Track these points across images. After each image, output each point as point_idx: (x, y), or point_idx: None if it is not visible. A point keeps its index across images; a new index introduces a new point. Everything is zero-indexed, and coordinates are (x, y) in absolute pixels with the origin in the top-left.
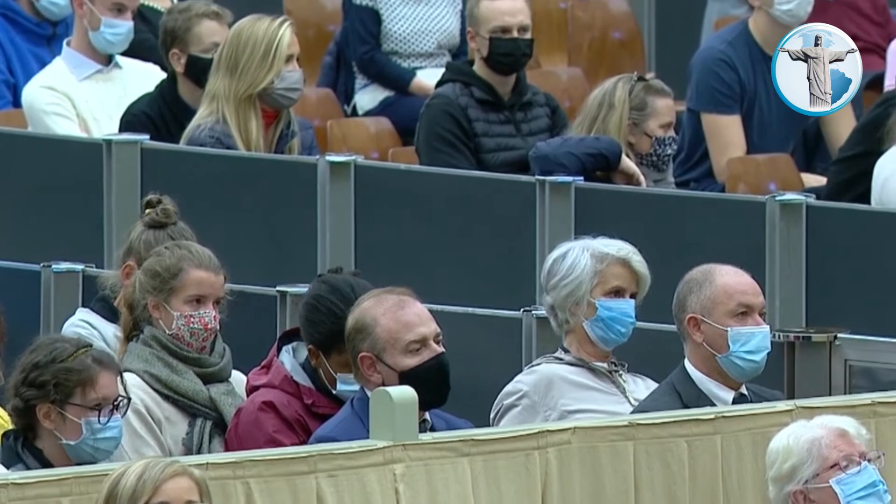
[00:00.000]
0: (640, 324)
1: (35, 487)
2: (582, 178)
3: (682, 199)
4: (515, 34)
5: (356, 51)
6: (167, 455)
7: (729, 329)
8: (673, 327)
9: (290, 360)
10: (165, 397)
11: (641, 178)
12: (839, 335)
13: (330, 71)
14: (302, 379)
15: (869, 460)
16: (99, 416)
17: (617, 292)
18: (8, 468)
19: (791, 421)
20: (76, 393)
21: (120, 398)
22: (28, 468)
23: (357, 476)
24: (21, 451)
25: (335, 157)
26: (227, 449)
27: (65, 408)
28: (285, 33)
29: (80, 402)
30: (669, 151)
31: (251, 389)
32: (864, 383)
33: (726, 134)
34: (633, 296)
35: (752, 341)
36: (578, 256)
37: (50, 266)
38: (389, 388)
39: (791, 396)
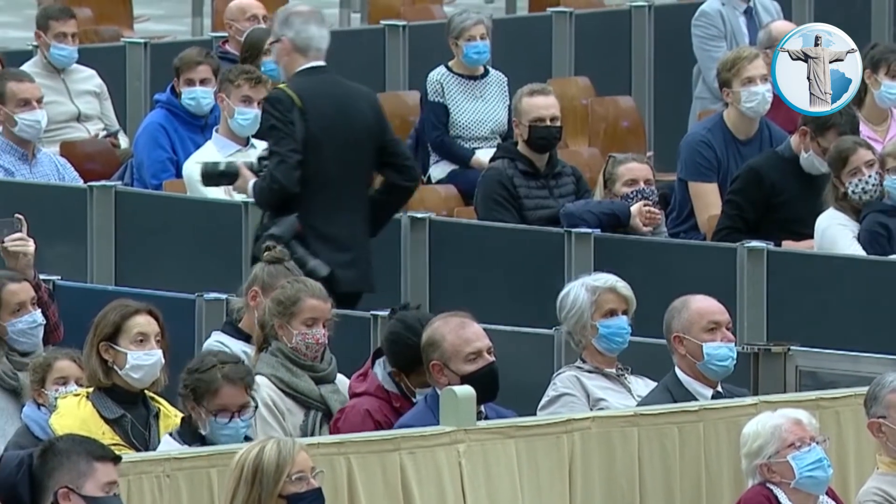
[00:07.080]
0: (645, 339)
1: (189, 461)
2: (599, 230)
3: (674, 246)
4: (549, 123)
5: (430, 135)
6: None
7: (704, 344)
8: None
9: (381, 371)
10: (287, 394)
11: (644, 230)
12: (792, 348)
13: (411, 150)
14: (391, 387)
15: (817, 443)
16: (217, 418)
17: (611, 313)
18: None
19: (756, 412)
20: (205, 398)
21: (245, 405)
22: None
23: (430, 453)
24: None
25: (415, 214)
26: (332, 434)
27: (199, 407)
28: None
29: (206, 405)
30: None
31: (353, 395)
32: (810, 384)
33: (706, 197)
34: (625, 312)
35: (721, 352)
36: (577, 292)
37: (202, 295)
38: (454, 388)
39: (756, 394)
